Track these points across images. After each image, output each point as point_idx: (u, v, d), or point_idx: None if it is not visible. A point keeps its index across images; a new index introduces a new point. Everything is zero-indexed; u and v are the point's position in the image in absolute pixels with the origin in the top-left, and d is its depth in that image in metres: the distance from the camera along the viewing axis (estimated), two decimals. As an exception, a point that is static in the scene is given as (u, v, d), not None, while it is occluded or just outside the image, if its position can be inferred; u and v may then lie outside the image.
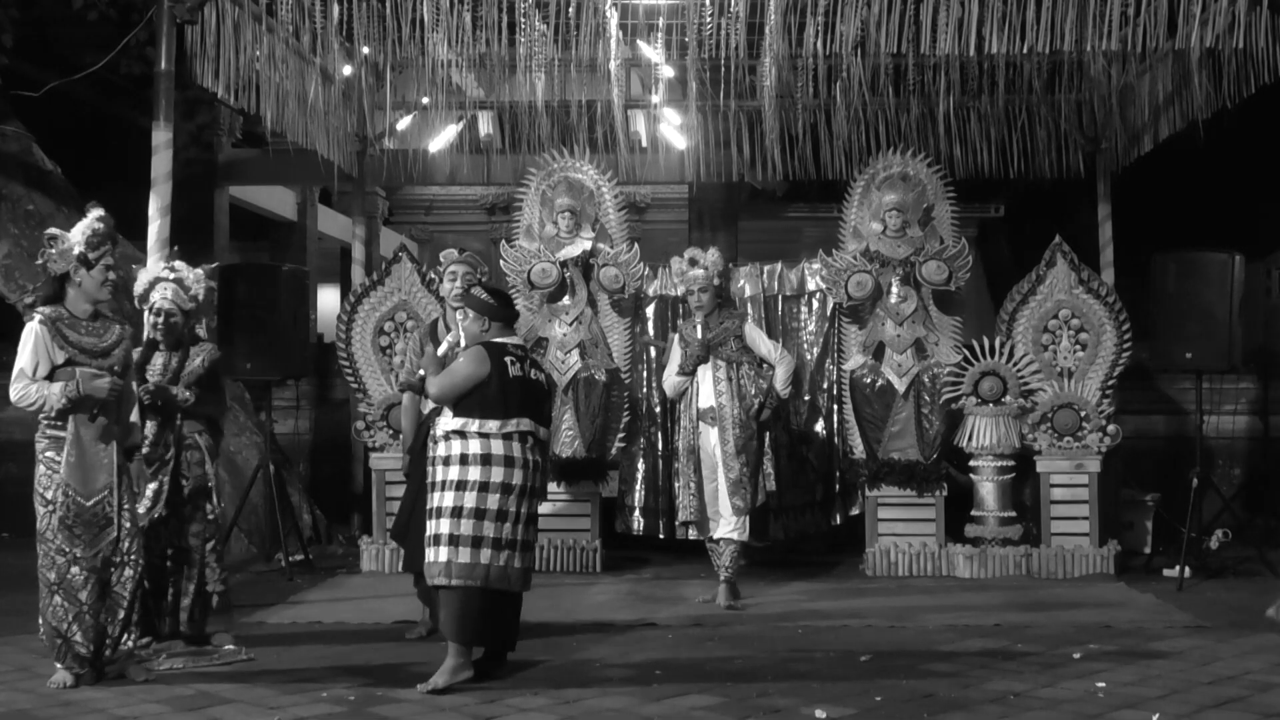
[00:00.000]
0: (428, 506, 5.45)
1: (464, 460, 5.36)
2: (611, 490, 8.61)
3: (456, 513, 5.31)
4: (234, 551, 8.45)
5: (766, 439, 7.31)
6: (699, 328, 7.24)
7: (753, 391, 7.16)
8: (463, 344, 5.76)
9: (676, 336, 7.48)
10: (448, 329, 6.31)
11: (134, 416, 5.60)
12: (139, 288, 5.98)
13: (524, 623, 6.07)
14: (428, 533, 5.40)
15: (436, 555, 5.34)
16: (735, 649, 5.88)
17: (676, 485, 7.30)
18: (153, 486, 5.81)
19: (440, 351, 5.91)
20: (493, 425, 5.38)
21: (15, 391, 5.21)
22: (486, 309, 5.56)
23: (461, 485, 5.33)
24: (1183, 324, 8.05)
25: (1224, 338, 7.95)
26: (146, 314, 5.95)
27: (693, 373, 7.22)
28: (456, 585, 5.30)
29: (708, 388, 7.18)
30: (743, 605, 7.07)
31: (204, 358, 5.99)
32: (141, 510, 5.70)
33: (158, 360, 5.90)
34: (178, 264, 5.99)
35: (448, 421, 5.44)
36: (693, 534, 7.31)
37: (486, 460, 5.35)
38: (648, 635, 6.30)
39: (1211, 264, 8.07)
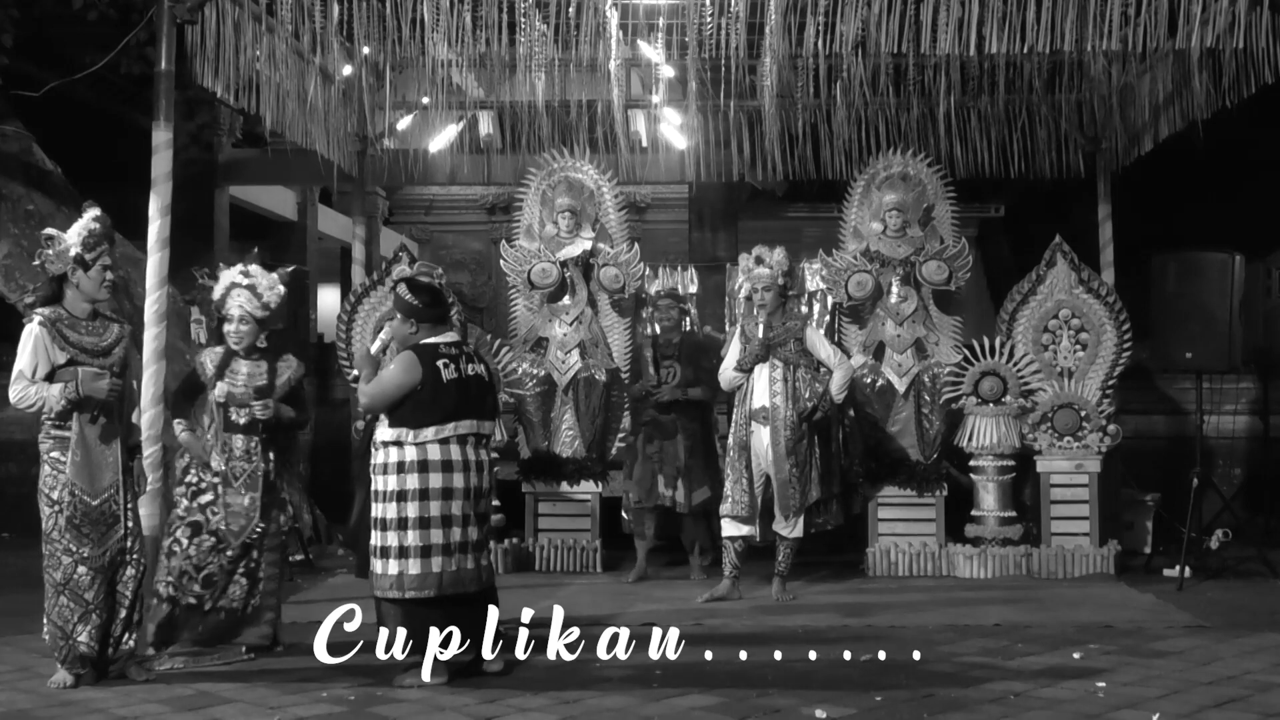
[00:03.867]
0: (372, 516, 5.35)
1: (401, 468, 5.26)
2: (611, 490, 8.61)
3: (402, 524, 5.23)
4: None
5: (816, 441, 7.27)
6: (761, 326, 7.23)
7: (807, 395, 7.16)
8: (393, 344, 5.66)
9: (737, 330, 7.45)
10: None
11: (135, 417, 5.62)
12: (216, 293, 5.93)
13: (524, 622, 6.07)
14: (374, 544, 5.31)
15: (386, 568, 5.26)
16: (735, 649, 5.88)
17: (727, 481, 7.27)
18: (245, 502, 5.78)
19: (374, 348, 5.74)
20: (428, 433, 5.27)
21: (14, 393, 5.20)
22: (411, 311, 5.40)
23: (402, 495, 5.24)
24: (1183, 324, 8.05)
25: (1224, 338, 7.96)
26: (224, 322, 5.89)
27: (750, 370, 7.22)
28: (410, 598, 5.24)
29: (763, 387, 7.18)
30: (792, 596, 7.26)
31: (290, 374, 6.00)
32: (237, 528, 5.76)
33: (241, 368, 5.84)
34: (253, 269, 5.95)
35: (384, 432, 5.33)
36: (743, 530, 7.22)
37: (424, 467, 5.25)
38: (648, 635, 6.29)
39: (1211, 264, 8.07)
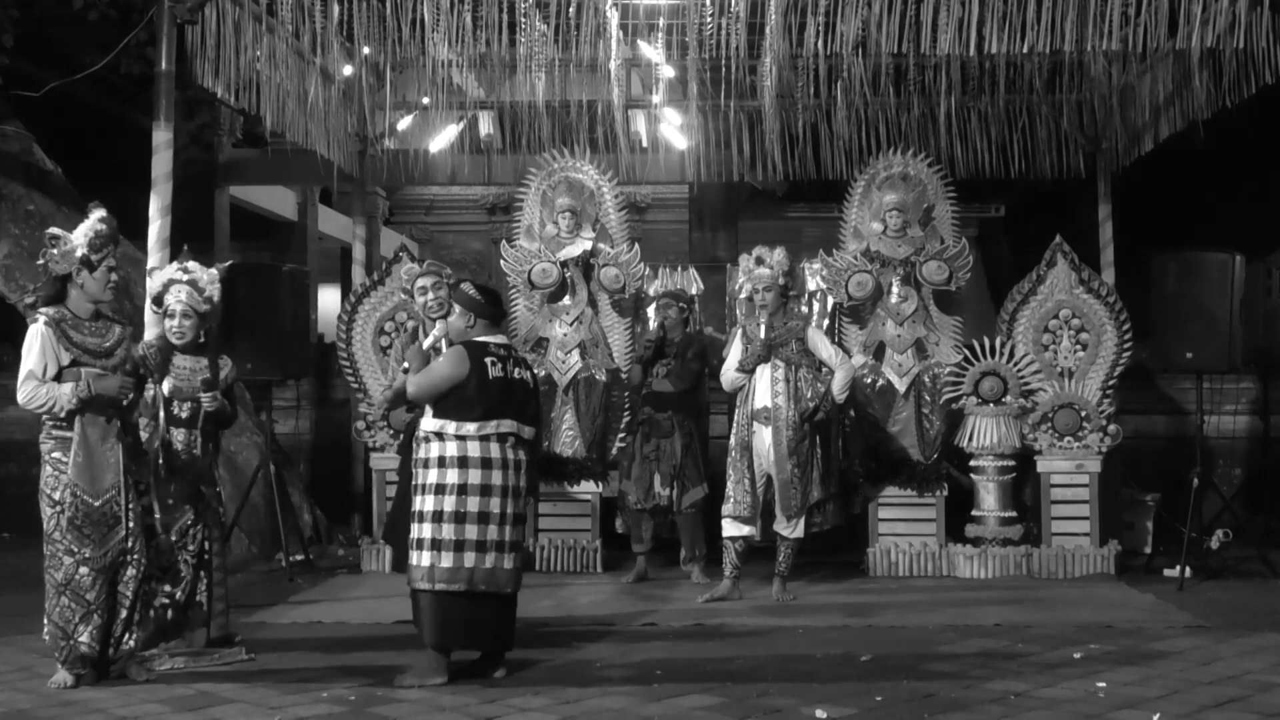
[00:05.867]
0: (412, 509, 5.44)
1: (442, 463, 5.34)
2: (611, 490, 8.61)
3: (438, 517, 5.30)
4: (234, 551, 8.43)
5: (817, 441, 7.26)
6: (762, 327, 7.22)
7: (809, 395, 7.16)
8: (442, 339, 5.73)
9: (739, 331, 7.45)
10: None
11: (135, 417, 5.61)
12: (153, 289, 5.91)
13: (524, 621, 6.07)
14: (411, 536, 5.39)
15: (419, 559, 5.33)
16: (735, 649, 5.88)
17: (729, 481, 7.27)
18: (184, 494, 5.73)
19: (426, 344, 5.85)
20: (470, 427, 5.34)
21: (24, 393, 5.18)
22: (473, 305, 5.51)
23: (441, 489, 5.32)
24: (1183, 324, 8.04)
25: (1224, 338, 7.95)
26: (162, 317, 5.87)
27: (752, 371, 7.22)
28: (440, 590, 5.29)
29: (764, 387, 7.18)
30: (793, 596, 7.25)
31: (229, 371, 6.02)
32: (174, 519, 5.71)
33: (184, 364, 5.82)
34: (191, 265, 5.93)
35: (428, 422, 5.43)
36: (744, 530, 7.21)
37: (463, 463, 5.32)
38: (648, 635, 6.30)
39: (1211, 264, 8.06)
